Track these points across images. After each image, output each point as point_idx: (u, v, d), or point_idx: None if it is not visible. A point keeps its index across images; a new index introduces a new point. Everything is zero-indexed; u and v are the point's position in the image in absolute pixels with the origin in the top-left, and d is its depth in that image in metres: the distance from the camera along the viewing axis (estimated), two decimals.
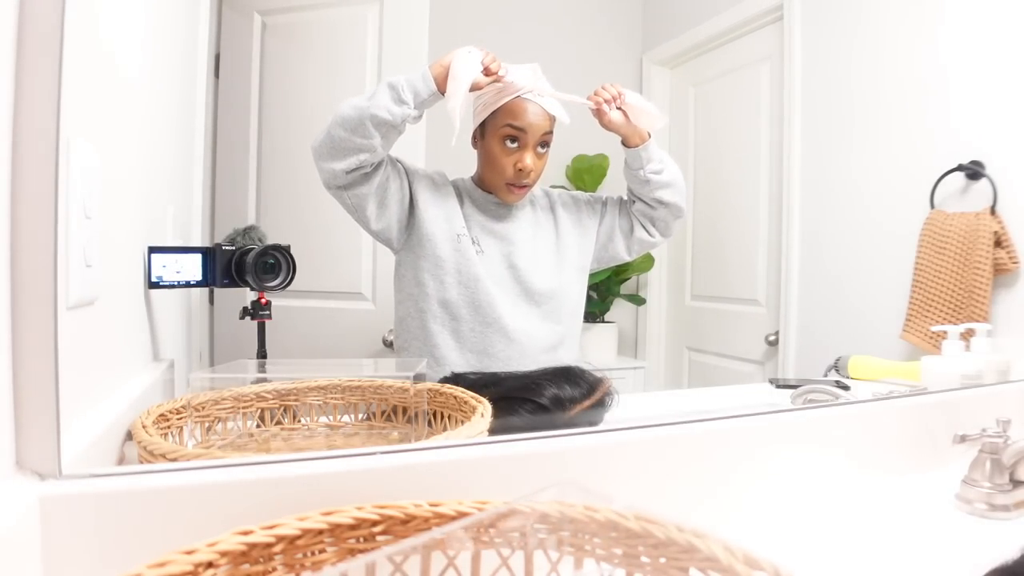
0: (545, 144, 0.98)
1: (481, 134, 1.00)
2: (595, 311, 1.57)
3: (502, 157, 0.97)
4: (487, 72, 0.90)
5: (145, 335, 0.73)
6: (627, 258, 1.12)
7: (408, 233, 0.99)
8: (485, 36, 1.37)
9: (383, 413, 0.76)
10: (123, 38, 0.61)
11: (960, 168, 1.13)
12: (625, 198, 1.11)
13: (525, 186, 0.99)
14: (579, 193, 1.13)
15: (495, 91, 0.93)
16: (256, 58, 1.18)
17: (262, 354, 0.87)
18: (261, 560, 0.36)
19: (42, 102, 0.39)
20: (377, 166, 0.92)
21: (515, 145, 0.96)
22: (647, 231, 1.09)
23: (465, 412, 0.67)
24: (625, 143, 1.02)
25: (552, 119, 0.97)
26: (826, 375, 1.15)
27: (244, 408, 0.70)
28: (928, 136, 1.19)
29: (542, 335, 1.01)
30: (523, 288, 1.01)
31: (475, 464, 0.52)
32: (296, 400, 0.74)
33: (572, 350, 1.05)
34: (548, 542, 0.41)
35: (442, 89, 0.88)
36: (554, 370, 0.79)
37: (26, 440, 0.40)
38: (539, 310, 1.02)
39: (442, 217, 0.99)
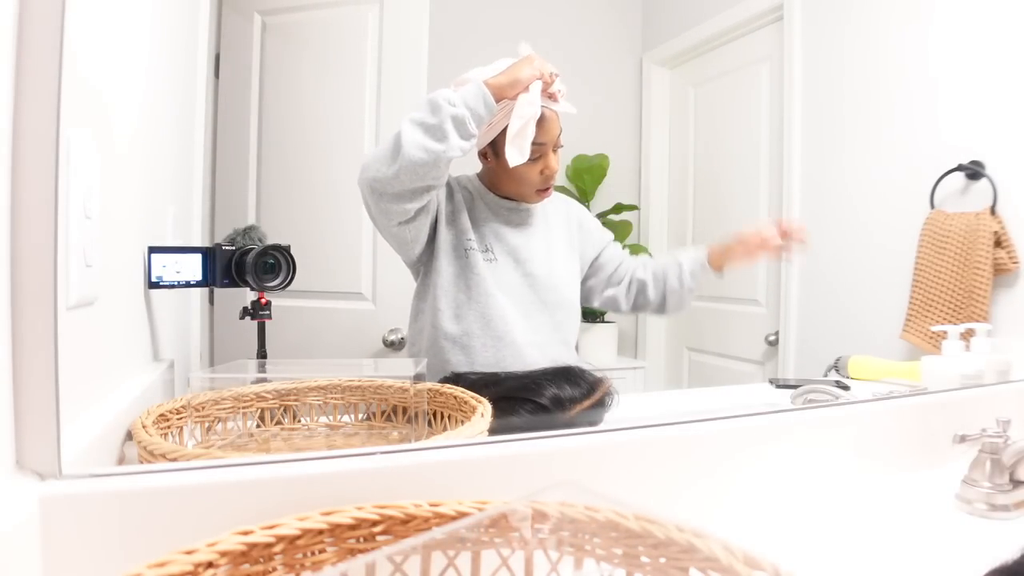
0: (559, 144, 0.99)
1: (495, 152, 0.97)
2: (595, 311, 1.57)
3: (527, 170, 0.95)
4: (546, 91, 0.89)
5: (145, 335, 0.73)
6: (592, 302, 1.11)
7: (429, 250, 0.97)
8: (484, 36, 1.37)
9: (383, 413, 0.76)
10: (124, 38, 0.61)
11: (960, 168, 1.12)
12: (629, 259, 1.11)
13: (551, 185, 1.00)
14: (591, 219, 1.13)
15: (508, 111, 0.90)
16: (256, 58, 1.18)
17: (262, 354, 0.87)
18: (261, 560, 0.36)
19: (42, 102, 0.39)
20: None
21: (537, 156, 0.95)
22: (623, 301, 1.08)
23: (465, 412, 0.67)
24: (715, 266, 1.05)
25: (560, 117, 0.97)
26: (826, 375, 1.15)
27: (244, 408, 0.70)
28: (928, 136, 1.19)
29: (553, 344, 1.01)
30: (538, 297, 1.00)
31: (475, 464, 0.52)
32: (296, 400, 0.74)
33: (577, 356, 1.05)
34: (548, 542, 0.41)
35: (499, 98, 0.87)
36: (554, 370, 0.79)
37: (26, 440, 0.40)
38: (552, 320, 1.01)
39: (453, 231, 0.98)
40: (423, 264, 0.99)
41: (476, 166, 1.04)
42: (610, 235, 1.13)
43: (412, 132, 0.82)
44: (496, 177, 1.01)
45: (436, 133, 0.82)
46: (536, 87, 0.87)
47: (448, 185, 1.00)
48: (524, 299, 0.99)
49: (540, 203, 1.04)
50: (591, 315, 1.55)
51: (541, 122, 0.91)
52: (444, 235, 0.96)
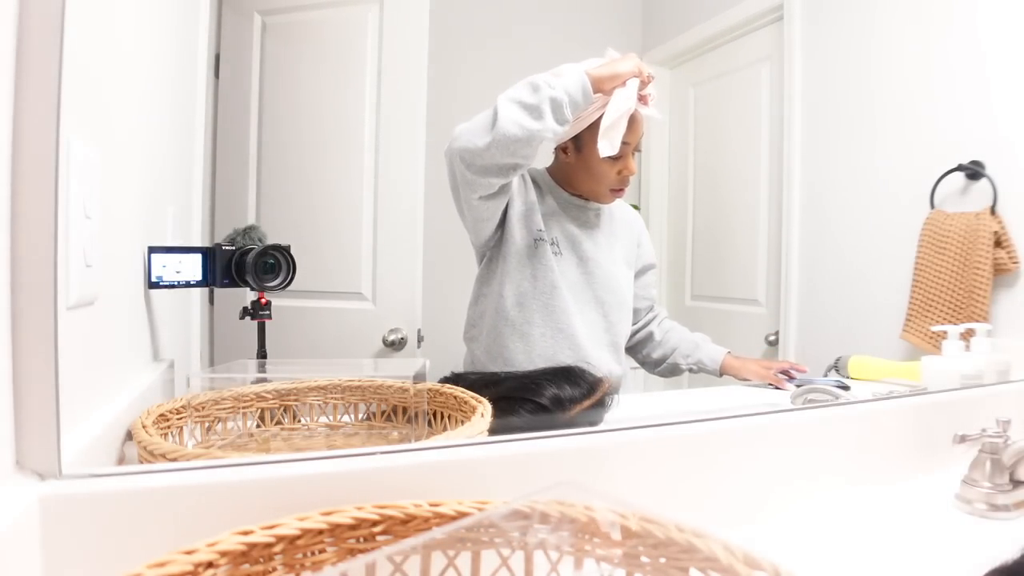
0: (639, 147, 0.99)
1: (576, 147, 0.98)
2: None
3: (606, 168, 0.97)
4: (641, 91, 0.90)
5: (145, 335, 0.73)
6: None
7: (497, 233, 0.98)
8: (484, 36, 1.37)
9: (383, 413, 0.76)
10: (123, 38, 0.61)
11: (960, 168, 1.12)
12: (656, 313, 1.15)
13: (626, 187, 1.01)
14: (650, 246, 1.16)
15: (597, 107, 0.91)
16: (256, 58, 1.17)
17: (262, 354, 0.87)
18: (261, 560, 0.36)
19: (42, 102, 0.39)
20: None
21: (619, 155, 0.95)
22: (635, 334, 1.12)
23: (465, 412, 0.67)
24: (722, 372, 1.11)
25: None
26: (826, 375, 1.15)
27: (244, 408, 0.70)
28: (928, 136, 1.19)
29: (603, 346, 1.02)
30: (595, 295, 1.01)
31: (475, 464, 0.52)
32: (296, 400, 0.74)
33: (624, 359, 1.07)
34: (548, 542, 0.41)
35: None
36: (554, 370, 0.79)
37: (26, 440, 0.40)
38: (605, 320, 1.02)
39: (524, 219, 0.98)
40: (490, 248, 1.00)
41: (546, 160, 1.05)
42: (655, 264, 1.15)
43: (509, 108, 0.83)
44: (571, 173, 1.01)
45: (534, 112, 0.83)
46: (633, 84, 0.88)
47: (522, 173, 1.01)
48: (582, 296, 1.00)
49: (608, 208, 1.06)
50: None
51: (631, 122, 0.92)
52: (515, 222, 0.97)
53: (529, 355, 0.96)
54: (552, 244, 0.99)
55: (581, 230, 1.02)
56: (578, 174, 1.01)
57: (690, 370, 1.11)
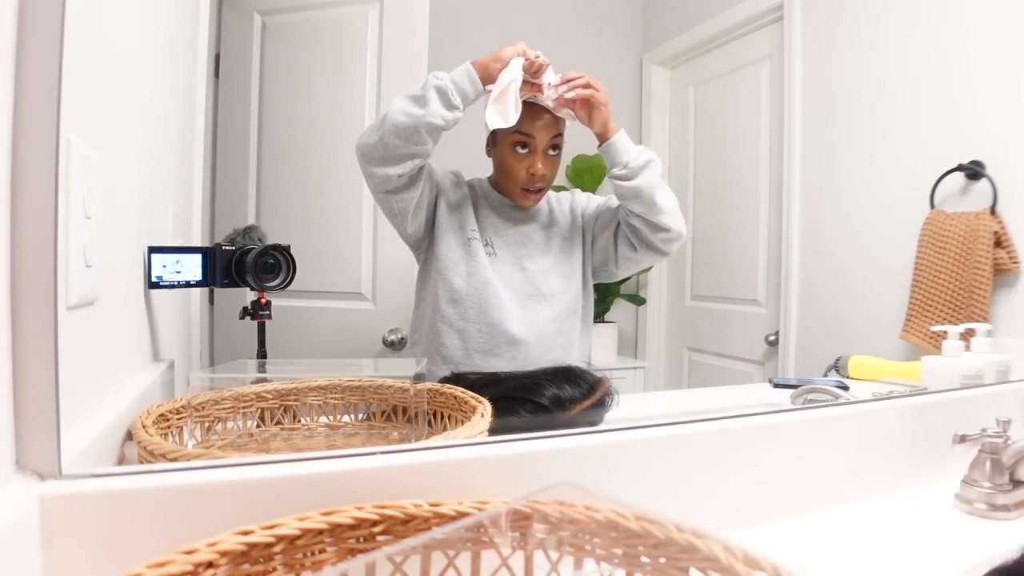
0: (556, 147, 0.99)
1: (493, 142, 1.02)
2: (595, 311, 1.57)
3: (514, 164, 0.98)
4: (532, 73, 0.91)
5: (145, 335, 0.73)
6: (616, 272, 1.07)
7: (429, 235, 1.01)
8: (484, 36, 1.37)
9: (383, 413, 0.76)
10: (123, 38, 0.61)
11: (960, 168, 1.12)
12: None
13: (540, 190, 1.01)
14: (594, 197, 1.12)
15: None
16: (256, 58, 1.18)
17: (262, 354, 0.87)
18: (261, 560, 0.36)
19: (42, 102, 0.39)
20: (422, 168, 0.94)
21: (525, 151, 0.98)
22: (630, 244, 1.01)
23: (465, 412, 0.67)
24: (599, 138, 0.97)
25: (560, 122, 0.98)
26: (826, 375, 1.15)
27: (244, 408, 0.70)
28: (928, 136, 1.19)
29: (550, 336, 1.01)
30: (534, 289, 1.02)
31: (475, 464, 0.52)
32: (296, 400, 0.74)
33: (576, 353, 1.05)
34: (548, 542, 0.41)
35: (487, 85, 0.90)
36: (554, 370, 0.79)
37: (26, 440, 0.40)
38: (548, 312, 1.02)
39: (457, 220, 1.01)
40: (423, 251, 1.02)
41: (483, 167, 1.06)
42: (602, 200, 1.09)
43: (399, 102, 0.90)
44: (496, 171, 1.04)
45: (419, 101, 0.88)
46: (517, 62, 0.90)
47: (457, 179, 1.03)
48: (522, 292, 1.01)
49: (545, 208, 1.06)
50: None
51: (532, 115, 0.94)
52: (446, 223, 1.00)
53: (466, 351, 0.98)
54: (486, 244, 1.01)
55: (515, 229, 1.04)
56: (497, 170, 1.03)
57: (620, 177, 0.96)
